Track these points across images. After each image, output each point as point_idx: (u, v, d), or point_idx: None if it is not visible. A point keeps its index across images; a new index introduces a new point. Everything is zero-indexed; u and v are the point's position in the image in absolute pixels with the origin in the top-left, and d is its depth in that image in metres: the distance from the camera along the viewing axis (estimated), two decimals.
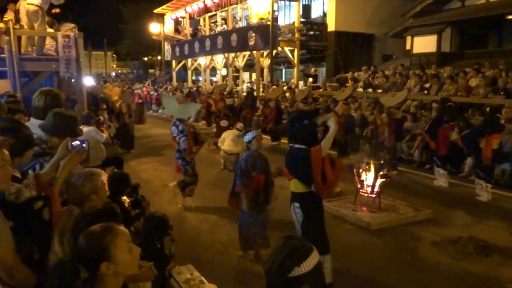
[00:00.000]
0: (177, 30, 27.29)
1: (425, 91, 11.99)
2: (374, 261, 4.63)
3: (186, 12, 25.08)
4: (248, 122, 12.61)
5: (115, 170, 5.99)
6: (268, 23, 17.09)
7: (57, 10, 9.00)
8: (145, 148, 11.45)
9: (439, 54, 16.06)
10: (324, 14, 21.38)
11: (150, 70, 44.95)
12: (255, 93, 15.99)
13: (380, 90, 13.25)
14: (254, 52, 18.56)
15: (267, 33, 17.04)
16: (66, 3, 8.87)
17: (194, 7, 23.92)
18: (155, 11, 28.39)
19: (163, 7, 26.69)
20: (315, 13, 22.27)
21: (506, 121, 7.90)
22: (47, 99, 3.02)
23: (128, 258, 1.77)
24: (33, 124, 2.80)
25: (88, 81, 12.13)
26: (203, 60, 24.22)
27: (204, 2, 22.47)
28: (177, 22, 27.56)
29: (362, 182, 6.11)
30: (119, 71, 57.94)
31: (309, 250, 1.76)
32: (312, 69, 19.91)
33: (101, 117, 9.17)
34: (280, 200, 5.10)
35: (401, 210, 6.02)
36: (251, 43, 18.09)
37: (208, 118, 15.24)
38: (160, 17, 28.69)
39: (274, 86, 16.40)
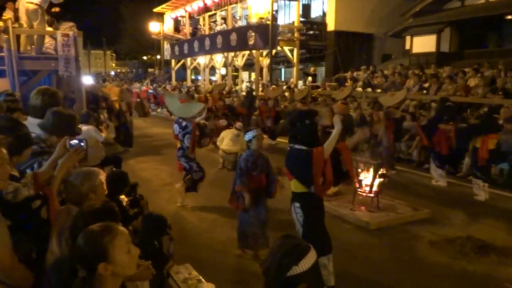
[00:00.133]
0: (176, 29, 27.28)
1: (424, 91, 12.02)
2: (373, 261, 4.63)
3: (185, 11, 25.07)
4: (247, 122, 12.60)
5: (114, 169, 5.98)
6: (268, 22, 17.09)
7: (57, 9, 8.98)
8: (144, 147, 11.44)
9: (438, 54, 16.08)
10: (324, 14, 21.39)
11: (150, 69, 44.94)
12: (254, 93, 15.99)
13: (379, 90, 13.27)
14: (254, 51, 18.55)
15: (267, 32, 17.04)
16: (65, 2, 8.85)
17: (194, 6, 23.91)
18: (155, 10, 28.38)
19: (163, 6, 26.68)
20: (315, 13, 22.27)
21: (505, 121, 7.91)
22: (44, 98, 3.02)
23: (127, 259, 1.76)
24: (31, 123, 2.79)
25: (87, 80, 12.09)
26: (202, 60, 24.20)
27: (203, 1, 22.47)
28: (176, 21, 27.54)
29: (360, 181, 6.12)
30: (118, 70, 57.93)
31: (306, 249, 1.76)
32: (311, 69, 19.93)
33: (101, 116, 9.17)
34: (280, 200, 5.10)
35: (400, 210, 6.03)
36: (251, 42, 18.08)
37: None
38: (160, 16, 28.68)
39: (274, 86, 16.40)
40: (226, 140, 8.93)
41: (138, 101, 17.84)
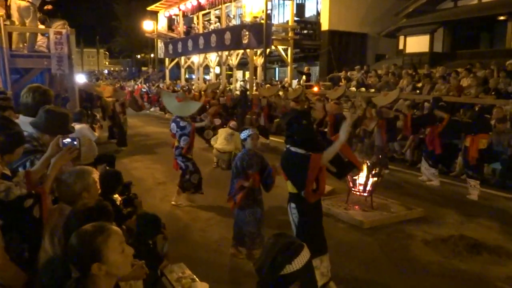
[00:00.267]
0: (170, 28, 27.17)
1: (417, 91, 12.08)
2: (366, 260, 4.65)
3: (179, 9, 24.96)
4: (241, 121, 12.60)
5: (107, 168, 5.95)
6: (262, 21, 17.08)
7: (49, 7, 8.90)
8: (138, 146, 11.39)
9: (432, 54, 16.16)
10: (318, 13, 21.42)
11: (143, 68, 44.74)
12: (248, 92, 15.97)
13: (372, 90, 13.32)
14: (248, 50, 18.53)
15: (261, 31, 17.03)
16: (58, 0, 8.79)
17: (188, 5, 23.81)
18: (149, 8, 28.22)
19: (157, 4, 26.54)
20: (309, 12, 22.30)
21: (497, 121, 7.97)
22: (35, 96, 2.98)
23: (121, 259, 1.74)
24: (23, 121, 2.76)
25: (80, 78, 12.02)
26: (196, 58, 24.14)
27: (197, 0, 22.39)
28: (170, 20, 27.43)
29: (354, 181, 6.15)
30: (112, 69, 57.63)
31: (299, 247, 1.76)
32: (305, 68, 19.96)
33: (96, 114, 9.10)
34: (277, 199, 5.09)
35: (393, 209, 6.06)
36: (245, 41, 18.06)
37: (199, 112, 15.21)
38: (154, 15, 28.52)
39: (268, 85, 16.40)
40: (220, 139, 8.92)
41: (131, 98, 17.80)
